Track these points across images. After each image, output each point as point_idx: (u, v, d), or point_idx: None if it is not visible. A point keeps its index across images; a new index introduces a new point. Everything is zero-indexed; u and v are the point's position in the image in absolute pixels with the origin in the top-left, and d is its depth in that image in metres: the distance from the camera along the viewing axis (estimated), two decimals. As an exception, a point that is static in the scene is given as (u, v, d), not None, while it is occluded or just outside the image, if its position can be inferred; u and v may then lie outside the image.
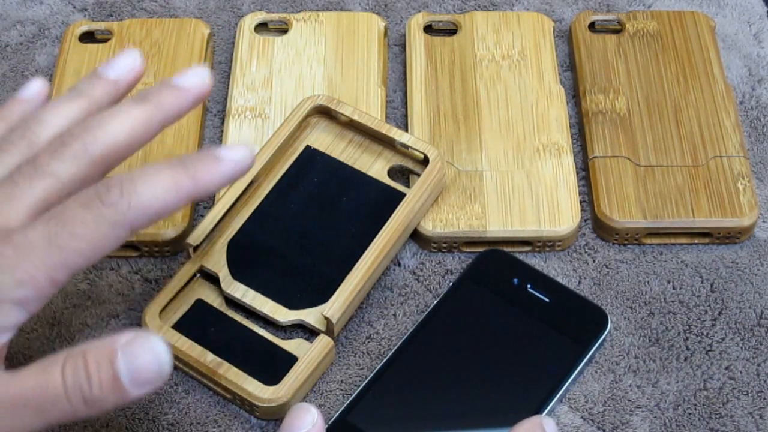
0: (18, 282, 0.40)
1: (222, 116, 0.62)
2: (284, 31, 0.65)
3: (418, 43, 0.64)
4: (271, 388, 0.50)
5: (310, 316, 0.52)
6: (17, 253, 0.40)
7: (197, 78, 0.46)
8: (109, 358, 0.39)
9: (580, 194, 0.58)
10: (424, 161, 0.56)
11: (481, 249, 0.56)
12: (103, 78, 0.47)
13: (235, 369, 0.51)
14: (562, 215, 0.56)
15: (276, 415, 0.50)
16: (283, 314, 0.52)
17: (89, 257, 0.41)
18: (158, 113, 0.45)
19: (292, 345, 0.52)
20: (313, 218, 0.55)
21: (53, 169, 0.42)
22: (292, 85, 0.62)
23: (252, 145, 0.44)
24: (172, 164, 0.42)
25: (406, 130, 0.59)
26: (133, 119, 0.44)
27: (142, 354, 0.39)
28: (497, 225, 0.56)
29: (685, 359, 0.53)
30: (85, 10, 0.68)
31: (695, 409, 0.51)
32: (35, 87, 0.48)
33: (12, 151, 0.44)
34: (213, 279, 0.54)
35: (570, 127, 0.61)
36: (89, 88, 0.47)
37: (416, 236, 0.57)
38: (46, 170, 0.42)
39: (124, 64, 0.47)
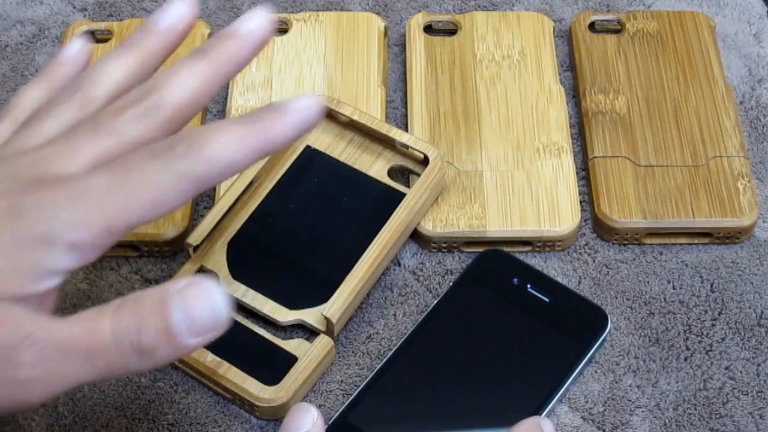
0: (73, 224, 0.38)
1: (222, 116, 0.62)
2: (284, 31, 0.65)
3: (418, 43, 0.64)
4: (271, 388, 0.50)
5: (310, 316, 0.52)
6: (76, 195, 0.38)
7: (257, 22, 0.44)
8: (161, 306, 0.38)
9: (580, 194, 0.58)
10: (424, 161, 0.56)
11: (481, 249, 0.56)
12: (155, 29, 0.45)
13: (235, 369, 0.51)
14: (562, 215, 0.56)
15: (276, 415, 0.50)
16: (283, 314, 0.52)
17: (151, 209, 0.39)
18: (220, 67, 0.43)
19: (292, 345, 0.52)
20: (313, 218, 0.55)
21: (116, 128, 0.41)
22: (292, 85, 0.62)
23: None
24: (241, 119, 0.41)
25: (406, 130, 0.59)
26: (196, 77, 0.42)
27: (197, 301, 0.38)
28: (497, 225, 0.56)
29: (685, 359, 0.53)
30: (85, 10, 0.68)
31: (695, 409, 0.51)
32: (76, 48, 0.47)
33: (68, 105, 0.43)
34: (213, 279, 0.54)
35: (570, 127, 0.61)
36: (141, 40, 0.45)
37: (416, 236, 0.57)
38: (109, 129, 0.41)
39: (175, 13, 0.45)
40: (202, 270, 0.54)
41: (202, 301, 0.38)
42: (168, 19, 0.45)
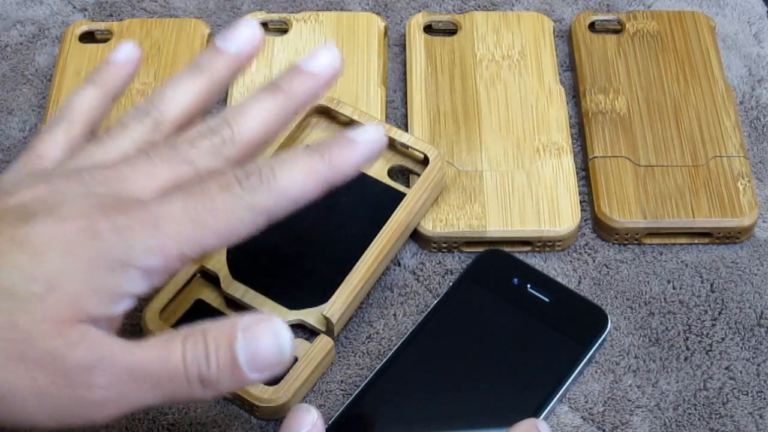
0: (149, 250, 0.39)
1: (222, 116, 0.62)
2: (284, 31, 0.65)
3: (418, 43, 0.64)
4: (271, 388, 0.50)
5: (310, 316, 0.52)
6: (153, 222, 0.39)
7: (327, 60, 0.45)
8: (228, 340, 0.39)
9: (580, 194, 0.58)
10: (424, 161, 0.56)
11: (481, 249, 0.56)
12: (224, 52, 0.46)
13: (235, 369, 0.51)
14: (562, 215, 0.56)
15: (276, 415, 0.50)
16: (283, 314, 0.52)
17: (223, 238, 0.40)
18: (291, 103, 0.44)
19: (292, 345, 0.52)
20: (313, 218, 0.55)
21: (191, 158, 0.42)
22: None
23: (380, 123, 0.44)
24: (308, 151, 0.42)
25: (406, 130, 0.59)
26: (268, 112, 0.44)
27: (263, 338, 0.39)
28: (497, 225, 0.56)
29: (685, 359, 0.53)
30: (85, 10, 0.68)
31: (695, 409, 0.51)
32: (126, 51, 0.47)
33: (137, 127, 0.44)
34: (213, 279, 0.54)
35: (570, 127, 0.61)
36: (210, 64, 0.45)
37: (416, 236, 0.57)
38: (186, 157, 0.42)
39: (244, 36, 0.46)
40: (202, 270, 0.54)
41: (267, 339, 0.39)
42: (237, 43, 0.46)
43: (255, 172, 0.41)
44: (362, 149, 0.43)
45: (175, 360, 0.39)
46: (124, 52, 0.48)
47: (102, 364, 0.38)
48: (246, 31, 0.46)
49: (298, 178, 0.41)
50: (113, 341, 0.39)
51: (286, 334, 0.39)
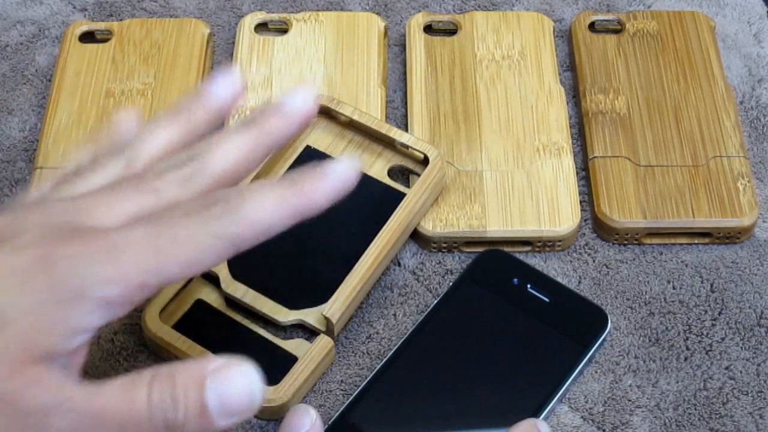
0: (107, 279, 0.37)
1: (222, 116, 0.62)
2: (284, 31, 0.65)
3: (418, 43, 0.64)
4: (271, 388, 0.50)
5: (310, 316, 0.52)
6: (111, 249, 0.38)
7: (302, 99, 0.45)
8: (198, 384, 0.38)
9: (580, 194, 0.58)
10: (424, 161, 0.56)
11: (481, 249, 0.56)
12: (204, 99, 0.46)
13: (235, 369, 0.51)
14: (562, 215, 0.56)
15: (276, 415, 0.50)
16: (283, 314, 0.52)
17: (185, 267, 0.39)
18: (264, 139, 0.44)
19: (292, 345, 0.52)
20: (313, 218, 0.55)
21: (157, 188, 0.41)
22: (292, 85, 0.62)
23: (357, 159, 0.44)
24: (279, 181, 0.41)
25: (406, 130, 0.59)
26: (240, 147, 0.43)
27: (233, 382, 0.38)
28: (497, 225, 0.56)
29: (685, 359, 0.53)
30: (85, 10, 0.68)
31: (695, 409, 0.51)
32: (125, 116, 0.47)
33: (110, 164, 0.43)
34: (213, 279, 0.54)
35: (570, 127, 0.61)
36: (189, 108, 0.45)
37: (416, 236, 0.57)
38: (151, 187, 0.41)
39: (226, 84, 0.46)
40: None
41: (237, 384, 0.38)
42: (219, 93, 0.46)
43: (222, 199, 0.40)
44: (333, 180, 0.42)
45: (140, 404, 0.37)
46: (123, 116, 0.47)
47: (61, 407, 0.37)
48: (228, 80, 0.46)
49: (267, 207, 0.40)
50: (73, 383, 0.37)
51: (256, 377, 0.38)
